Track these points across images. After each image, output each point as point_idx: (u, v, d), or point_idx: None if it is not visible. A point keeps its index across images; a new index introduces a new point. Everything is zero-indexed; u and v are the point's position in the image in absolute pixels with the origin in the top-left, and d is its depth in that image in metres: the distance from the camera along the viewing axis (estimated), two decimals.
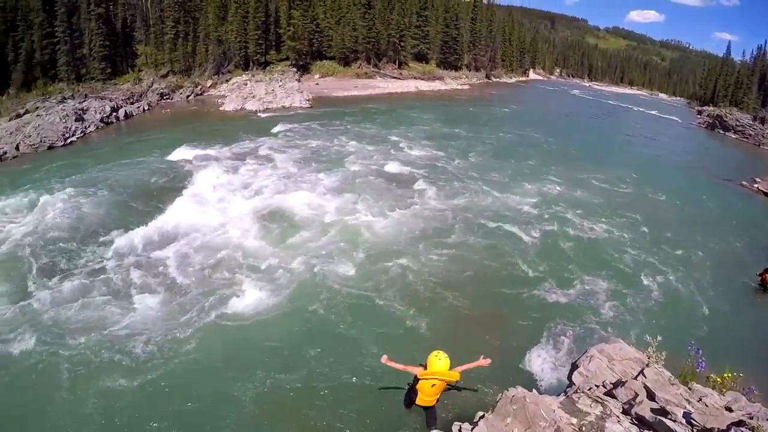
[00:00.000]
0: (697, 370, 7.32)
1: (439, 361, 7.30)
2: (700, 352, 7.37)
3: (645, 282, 16.06)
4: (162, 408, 9.30)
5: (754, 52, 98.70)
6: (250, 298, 12.60)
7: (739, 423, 5.20)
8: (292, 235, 16.22)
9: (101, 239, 15.31)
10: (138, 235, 15.41)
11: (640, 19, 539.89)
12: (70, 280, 12.99)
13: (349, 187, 20.88)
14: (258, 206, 18.10)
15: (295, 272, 13.92)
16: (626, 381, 6.73)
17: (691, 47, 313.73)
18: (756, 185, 33.25)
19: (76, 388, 9.62)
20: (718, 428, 5.26)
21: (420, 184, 22.28)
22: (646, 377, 6.67)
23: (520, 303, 13.83)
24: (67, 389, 9.61)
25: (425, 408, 7.96)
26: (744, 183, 33.71)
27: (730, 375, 7.46)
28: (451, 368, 7.45)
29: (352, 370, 10.23)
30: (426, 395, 7.69)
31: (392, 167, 24.39)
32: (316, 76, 53.06)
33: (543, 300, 14.11)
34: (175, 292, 12.76)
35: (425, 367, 7.44)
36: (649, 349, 7.68)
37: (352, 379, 10.03)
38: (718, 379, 7.45)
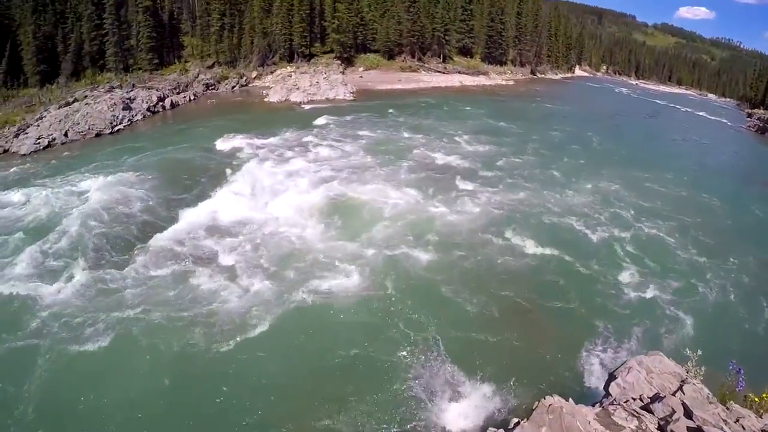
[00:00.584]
0: (737, 389, 7.06)
1: None
2: (742, 371, 7.10)
3: (693, 291, 15.90)
4: (238, 378, 10.05)
5: None
6: (324, 282, 13.27)
7: None
8: (359, 225, 16.54)
9: (164, 222, 15.92)
10: (200, 220, 16.11)
11: (690, 15, 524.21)
12: (138, 259, 13.69)
13: (409, 179, 21.17)
14: (320, 196, 18.46)
15: (367, 260, 14.45)
16: (664, 396, 6.60)
17: (742, 46, 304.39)
18: None
19: (151, 353, 10.47)
20: None
21: (478, 179, 22.36)
22: (684, 393, 6.58)
23: (570, 302, 14.02)
24: (142, 354, 10.43)
25: None
26: None
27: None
28: None
29: (422, 350, 11.08)
30: None
31: (449, 161, 24.66)
32: (360, 69, 52.78)
33: (591, 301, 14.23)
34: (245, 275, 13.21)
35: None
36: (688, 363, 7.65)
37: (421, 359, 10.84)
38: (756, 399, 7.32)
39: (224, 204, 17.00)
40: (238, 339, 10.91)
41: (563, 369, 11.23)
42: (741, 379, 7.09)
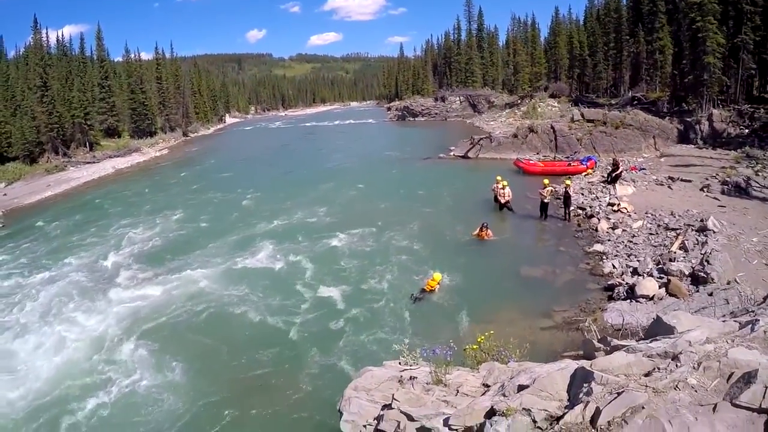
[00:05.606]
0: (448, 359, 6.90)
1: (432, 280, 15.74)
2: (437, 351, 6.97)
3: (375, 284, 17.00)
4: None
5: (424, 47, 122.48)
6: None
7: (492, 412, 5.09)
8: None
9: None
10: None
11: (321, 41, 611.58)
12: None
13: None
14: None
15: None
16: (383, 413, 6.41)
17: (369, 55, 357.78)
18: (451, 153, 43.44)
19: None
20: (477, 424, 5.18)
21: (123, 281, 20.06)
22: (399, 401, 6.37)
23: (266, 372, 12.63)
24: None
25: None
26: (441, 155, 43.56)
27: (482, 337, 7.82)
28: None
29: None
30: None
31: (95, 273, 21.69)
32: (2, 184, 48.69)
33: (289, 358, 13.11)
34: None
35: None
36: (401, 358, 7.71)
37: None
38: (474, 347, 7.68)
39: None
40: None
41: None
42: (445, 351, 6.92)
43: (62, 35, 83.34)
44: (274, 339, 14.33)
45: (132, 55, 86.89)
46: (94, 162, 58.99)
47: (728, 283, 13.66)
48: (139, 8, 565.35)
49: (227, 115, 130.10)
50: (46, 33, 78.27)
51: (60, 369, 13.74)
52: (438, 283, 15.76)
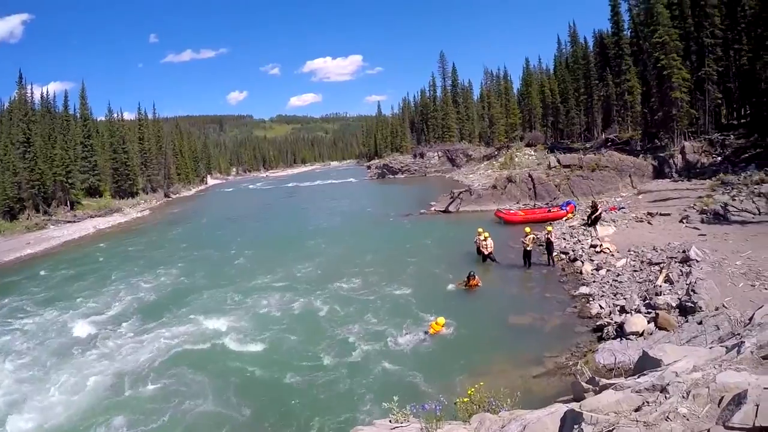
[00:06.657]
0: (438, 414, 6.73)
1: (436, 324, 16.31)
2: (426, 407, 6.84)
3: (366, 336, 16.82)
4: None
5: (401, 105, 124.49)
6: None
7: None
8: None
9: None
10: None
11: (301, 102, 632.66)
12: None
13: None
14: None
15: None
16: None
17: (348, 115, 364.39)
18: (432, 208, 43.32)
19: None
20: None
21: (100, 345, 18.52)
22: None
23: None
24: None
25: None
26: (422, 211, 43.33)
27: (473, 389, 7.76)
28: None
29: None
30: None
31: (71, 337, 19.95)
32: None
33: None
34: None
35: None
36: (390, 416, 7.58)
37: None
38: (465, 400, 7.65)
39: None
40: None
41: None
42: (434, 406, 6.80)
43: (47, 92, 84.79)
44: (265, 392, 14.06)
45: (115, 115, 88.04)
46: (74, 221, 58.04)
47: (716, 309, 13.59)
48: (123, 68, 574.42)
49: (209, 176, 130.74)
50: (31, 89, 77.36)
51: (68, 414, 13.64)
52: (442, 326, 16.27)
